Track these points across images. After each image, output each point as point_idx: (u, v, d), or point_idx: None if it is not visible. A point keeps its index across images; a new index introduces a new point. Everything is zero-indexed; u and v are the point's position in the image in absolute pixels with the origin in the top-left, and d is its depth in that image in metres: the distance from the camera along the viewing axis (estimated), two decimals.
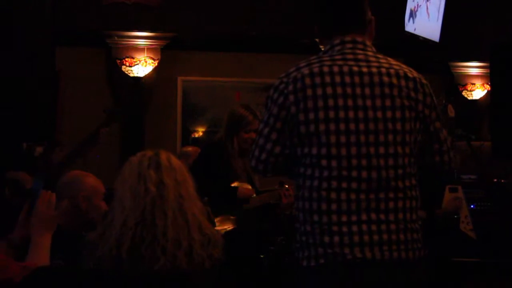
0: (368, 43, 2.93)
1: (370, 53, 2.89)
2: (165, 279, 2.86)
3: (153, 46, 9.69)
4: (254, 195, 5.28)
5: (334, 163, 2.71)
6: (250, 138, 5.24)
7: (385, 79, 2.81)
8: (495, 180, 6.39)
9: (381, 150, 2.75)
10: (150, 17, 9.58)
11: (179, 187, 3.00)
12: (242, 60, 10.14)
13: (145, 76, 9.60)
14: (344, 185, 2.71)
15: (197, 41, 9.96)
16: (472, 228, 5.44)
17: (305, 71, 2.80)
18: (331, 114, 2.72)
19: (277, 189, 5.37)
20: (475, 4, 10.13)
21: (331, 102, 2.73)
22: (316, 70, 2.79)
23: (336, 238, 2.68)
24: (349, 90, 2.76)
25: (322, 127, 2.71)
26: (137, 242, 2.85)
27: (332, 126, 2.71)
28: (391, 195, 2.76)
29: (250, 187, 5.29)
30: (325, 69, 2.79)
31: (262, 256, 5.30)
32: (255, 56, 10.16)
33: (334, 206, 2.70)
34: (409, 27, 8.54)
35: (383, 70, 2.83)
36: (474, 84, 10.78)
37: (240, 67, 10.13)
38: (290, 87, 2.77)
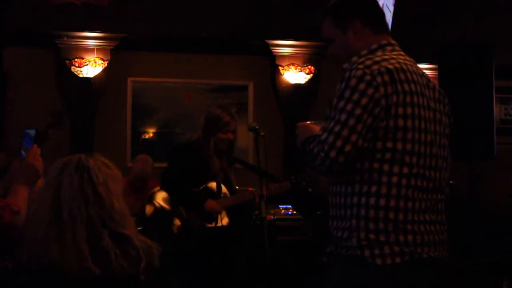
0: None
1: None
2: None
3: (103, 47, 9.61)
4: (221, 210, 5.27)
5: (415, 160, 2.74)
6: (227, 139, 5.27)
7: (436, 85, 2.95)
8: None
9: (442, 152, 2.87)
10: (99, 17, 9.50)
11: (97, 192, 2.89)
12: (193, 61, 10.11)
13: (95, 77, 9.51)
14: (419, 183, 2.76)
15: (147, 42, 9.91)
16: None
17: (388, 65, 2.79)
18: (416, 110, 2.76)
19: (250, 190, 5.40)
20: (424, 6, 10.23)
21: (415, 99, 2.77)
22: (397, 65, 2.80)
23: (410, 237, 2.72)
24: (423, 90, 2.84)
25: (409, 122, 2.73)
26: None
27: (416, 123, 2.75)
28: (440, 196, 2.88)
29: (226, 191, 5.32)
30: (404, 66, 2.82)
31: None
32: (205, 57, 10.13)
33: (410, 204, 2.73)
34: None
35: (426, 75, 2.96)
36: None
37: (190, 69, 10.09)
38: (379, 79, 2.73)
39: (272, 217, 6.99)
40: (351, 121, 2.70)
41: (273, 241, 5.53)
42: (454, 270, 5.34)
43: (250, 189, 5.50)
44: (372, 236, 2.72)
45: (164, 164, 5.71)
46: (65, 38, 9.43)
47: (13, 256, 2.89)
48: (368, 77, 2.73)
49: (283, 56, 10.10)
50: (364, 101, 2.70)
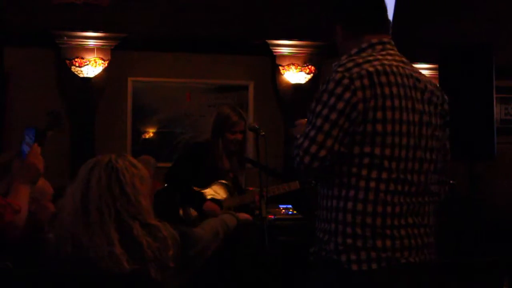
0: None
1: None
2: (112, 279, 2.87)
3: (103, 47, 9.61)
4: (220, 210, 5.26)
5: (394, 165, 2.69)
6: (235, 139, 5.22)
7: (429, 86, 2.87)
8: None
9: (429, 155, 2.80)
10: (100, 17, 9.50)
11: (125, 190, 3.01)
12: (193, 61, 10.11)
13: (95, 77, 9.51)
14: (399, 187, 2.70)
15: (148, 42, 9.91)
16: None
17: (369, 68, 2.74)
18: (397, 114, 2.70)
19: (251, 190, 5.38)
20: (424, 6, 10.23)
21: (396, 102, 2.71)
22: (380, 68, 2.75)
23: (388, 242, 2.67)
24: (408, 92, 2.77)
25: (388, 127, 2.69)
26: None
27: (397, 127, 2.70)
28: (427, 199, 2.81)
29: (223, 194, 5.31)
30: (387, 68, 2.76)
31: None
32: (205, 57, 10.14)
33: (389, 209, 2.68)
34: None
35: (423, 77, 2.88)
36: None
37: (190, 68, 10.10)
38: (357, 83, 2.69)
39: (272, 217, 6.99)
40: (326, 126, 2.68)
41: (273, 241, 5.52)
42: (454, 270, 5.34)
43: (251, 188, 5.49)
44: (349, 241, 2.69)
45: (165, 164, 5.71)
46: (65, 38, 9.43)
47: (39, 248, 2.99)
48: (346, 81, 2.70)
49: (283, 56, 10.10)
50: (340, 105, 2.68)
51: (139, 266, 2.90)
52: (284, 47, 10.08)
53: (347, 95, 2.68)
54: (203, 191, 5.28)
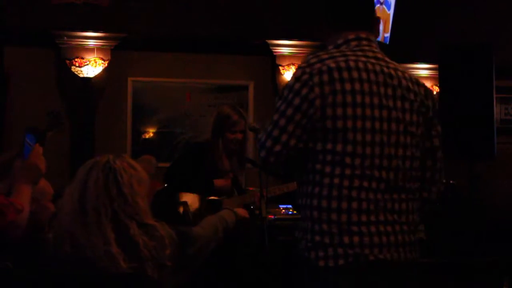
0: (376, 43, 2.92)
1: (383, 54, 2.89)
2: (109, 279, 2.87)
3: (103, 47, 9.61)
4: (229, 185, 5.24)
5: (357, 162, 2.66)
6: (235, 139, 5.20)
7: (404, 82, 2.81)
8: (444, 180, 6.46)
9: (400, 151, 2.75)
10: (100, 17, 9.51)
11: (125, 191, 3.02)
12: (193, 61, 10.11)
13: (95, 77, 9.51)
14: (365, 184, 2.67)
15: (148, 42, 9.91)
16: (424, 228, 5.48)
17: (331, 64, 2.72)
18: (359, 111, 2.67)
19: (251, 190, 5.36)
20: (423, 5, 10.23)
21: (359, 98, 2.68)
22: (342, 64, 2.72)
23: (356, 238, 2.64)
24: (374, 88, 2.73)
25: (349, 124, 2.66)
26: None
27: (359, 124, 2.67)
28: (403, 196, 2.76)
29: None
30: (352, 64, 2.73)
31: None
32: (205, 57, 10.14)
33: (354, 205, 2.65)
34: None
35: (400, 73, 2.84)
36: None
37: (190, 69, 10.10)
38: (316, 79, 2.68)
39: (272, 217, 6.99)
40: (282, 121, 2.69)
41: (273, 241, 5.52)
42: (454, 270, 5.35)
43: (251, 189, 5.48)
44: (317, 238, 2.69)
45: (165, 164, 5.71)
46: (65, 38, 9.43)
47: (39, 248, 3.00)
48: (305, 77, 2.70)
49: (283, 56, 10.10)
50: (296, 101, 2.68)
51: (135, 265, 2.90)
52: (284, 47, 10.08)
53: (304, 91, 2.68)
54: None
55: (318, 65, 2.72)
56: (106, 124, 9.76)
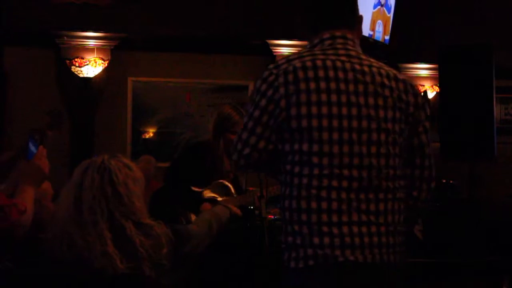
0: (357, 41, 2.85)
1: (360, 51, 2.82)
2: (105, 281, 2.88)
3: (103, 47, 9.62)
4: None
5: (325, 161, 2.60)
6: None
7: (378, 78, 2.73)
8: (444, 180, 6.45)
9: (373, 149, 2.66)
10: (100, 17, 9.51)
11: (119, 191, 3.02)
12: (193, 61, 10.12)
13: (95, 76, 9.52)
14: (335, 183, 2.60)
15: (147, 42, 9.92)
16: (422, 228, 5.48)
17: (297, 64, 2.69)
18: (324, 109, 2.62)
19: (250, 190, 5.35)
20: (424, 6, 10.24)
21: (324, 97, 2.63)
22: (309, 63, 2.69)
23: (327, 239, 2.58)
24: (342, 86, 2.66)
25: (314, 122, 2.61)
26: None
27: (325, 122, 2.61)
28: (381, 196, 2.67)
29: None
30: (318, 63, 2.69)
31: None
32: (205, 57, 10.14)
33: (324, 205, 2.59)
34: None
35: (375, 69, 2.76)
36: (423, 85, 10.90)
37: (190, 68, 10.11)
38: (281, 80, 2.66)
39: (272, 217, 6.98)
40: (250, 124, 2.69)
41: (273, 241, 5.52)
42: (454, 270, 5.35)
43: (251, 189, 5.47)
44: (290, 239, 2.66)
45: (165, 164, 5.71)
46: (65, 38, 9.44)
47: (37, 248, 3.00)
48: (271, 78, 2.69)
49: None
50: (263, 102, 2.67)
51: (132, 265, 2.90)
52: (284, 47, 10.08)
53: (270, 92, 2.67)
54: (202, 191, 5.27)
55: (284, 66, 2.71)
56: (106, 124, 9.76)
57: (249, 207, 5.30)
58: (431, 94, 10.91)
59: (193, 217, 5.19)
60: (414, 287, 5.51)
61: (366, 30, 8.52)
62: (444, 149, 6.22)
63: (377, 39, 8.76)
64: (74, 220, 2.94)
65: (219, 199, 5.31)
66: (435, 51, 6.81)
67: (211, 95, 10.21)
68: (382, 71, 2.77)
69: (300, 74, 2.66)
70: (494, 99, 6.30)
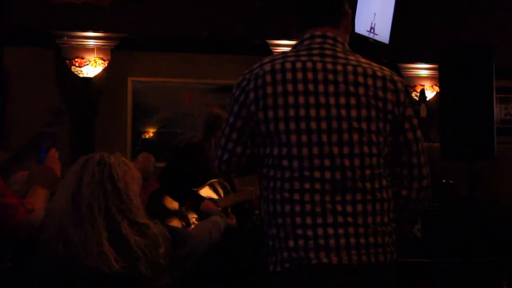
0: (340, 38, 2.79)
1: (339, 49, 2.75)
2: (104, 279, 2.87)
3: (103, 47, 9.62)
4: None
5: (295, 164, 2.57)
6: None
7: (351, 77, 2.67)
8: (444, 181, 6.46)
9: (346, 149, 2.60)
10: (100, 17, 9.51)
11: (116, 188, 3.02)
12: (193, 61, 10.12)
13: (95, 76, 9.52)
14: (307, 186, 2.56)
15: (148, 42, 9.91)
16: (420, 228, 5.48)
17: (267, 67, 2.68)
18: (291, 112, 2.59)
19: (250, 189, 5.37)
20: (424, 6, 10.23)
21: (291, 99, 2.60)
22: (277, 66, 2.67)
23: (301, 242, 2.55)
24: (311, 87, 2.62)
25: (282, 126, 2.59)
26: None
27: (292, 125, 2.58)
28: (359, 197, 2.60)
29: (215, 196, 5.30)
30: (287, 65, 2.67)
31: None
32: (206, 57, 10.14)
33: (297, 208, 2.56)
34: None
35: (350, 67, 2.69)
36: (423, 85, 10.90)
37: (191, 68, 10.10)
38: (251, 85, 2.66)
39: None
40: (227, 130, 2.72)
41: None
42: (454, 270, 5.34)
43: (251, 188, 5.48)
44: (270, 242, 2.65)
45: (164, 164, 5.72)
46: (65, 38, 9.43)
47: (33, 248, 3.00)
48: (243, 83, 2.71)
49: None
50: (236, 108, 2.69)
51: (127, 265, 2.89)
52: (284, 47, 10.07)
53: (242, 97, 2.68)
54: (197, 191, 5.28)
55: (256, 70, 2.71)
56: (106, 124, 9.76)
57: (245, 206, 5.33)
58: (431, 94, 10.91)
59: (193, 216, 5.20)
60: (414, 287, 5.51)
61: (366, 30, 8.53)
62: (444, 149, 6.23)
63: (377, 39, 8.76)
64: (71, 217, 2.93)
65: (216, 197, 5.33)
66: (435, 51, 6.82)
67: (211, 95, 10.21)
68: (359, 69, 2.70)
69: (268, 78, 2.65)
70: (494, 99, 6.30)
